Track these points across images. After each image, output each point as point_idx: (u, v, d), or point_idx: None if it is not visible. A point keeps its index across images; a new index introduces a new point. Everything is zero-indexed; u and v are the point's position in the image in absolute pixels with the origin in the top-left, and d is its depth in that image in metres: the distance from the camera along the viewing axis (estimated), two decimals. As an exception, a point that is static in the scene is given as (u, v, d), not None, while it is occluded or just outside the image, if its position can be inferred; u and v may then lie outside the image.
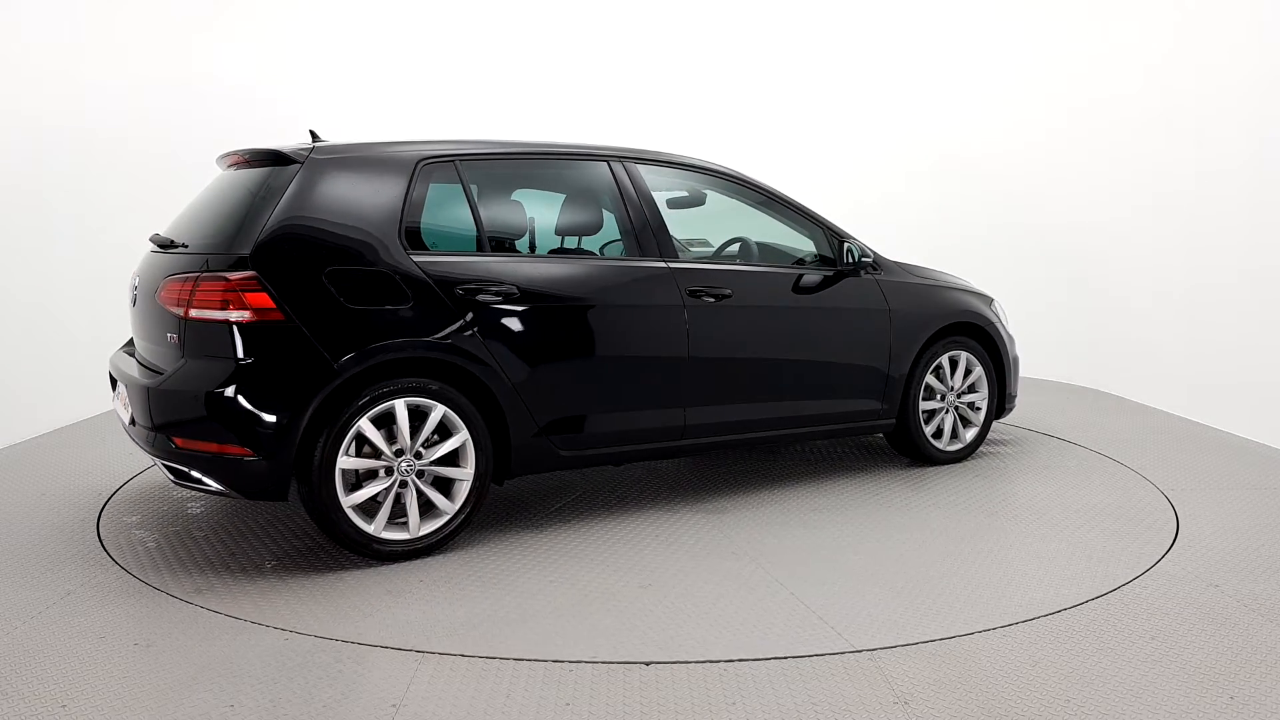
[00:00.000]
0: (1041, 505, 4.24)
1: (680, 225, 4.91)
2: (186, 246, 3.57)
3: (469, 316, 3.51)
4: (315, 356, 3.25)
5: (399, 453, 3.42)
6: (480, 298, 3.54)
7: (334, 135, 4.11)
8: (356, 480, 3.42)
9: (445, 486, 3.55)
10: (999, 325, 5.01)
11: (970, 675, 2.62)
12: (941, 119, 7.98)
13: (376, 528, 3.39)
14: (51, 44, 6.16)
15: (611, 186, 4.06)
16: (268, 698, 2.49)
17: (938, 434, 4.82)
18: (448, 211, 3.73)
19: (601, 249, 4.40)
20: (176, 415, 3.30)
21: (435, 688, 2.55)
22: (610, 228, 4.25)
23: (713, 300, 4.05)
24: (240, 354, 3.22)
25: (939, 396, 4.82)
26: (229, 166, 3.86)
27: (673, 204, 4.74)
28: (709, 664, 2.69)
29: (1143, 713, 2.42)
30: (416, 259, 3.48)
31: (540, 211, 4.19)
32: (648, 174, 4.16)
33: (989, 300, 5.10)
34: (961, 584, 3.29)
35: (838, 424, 4.52)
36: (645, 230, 4.03)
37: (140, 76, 6.79)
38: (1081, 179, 7.34)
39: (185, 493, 4.33)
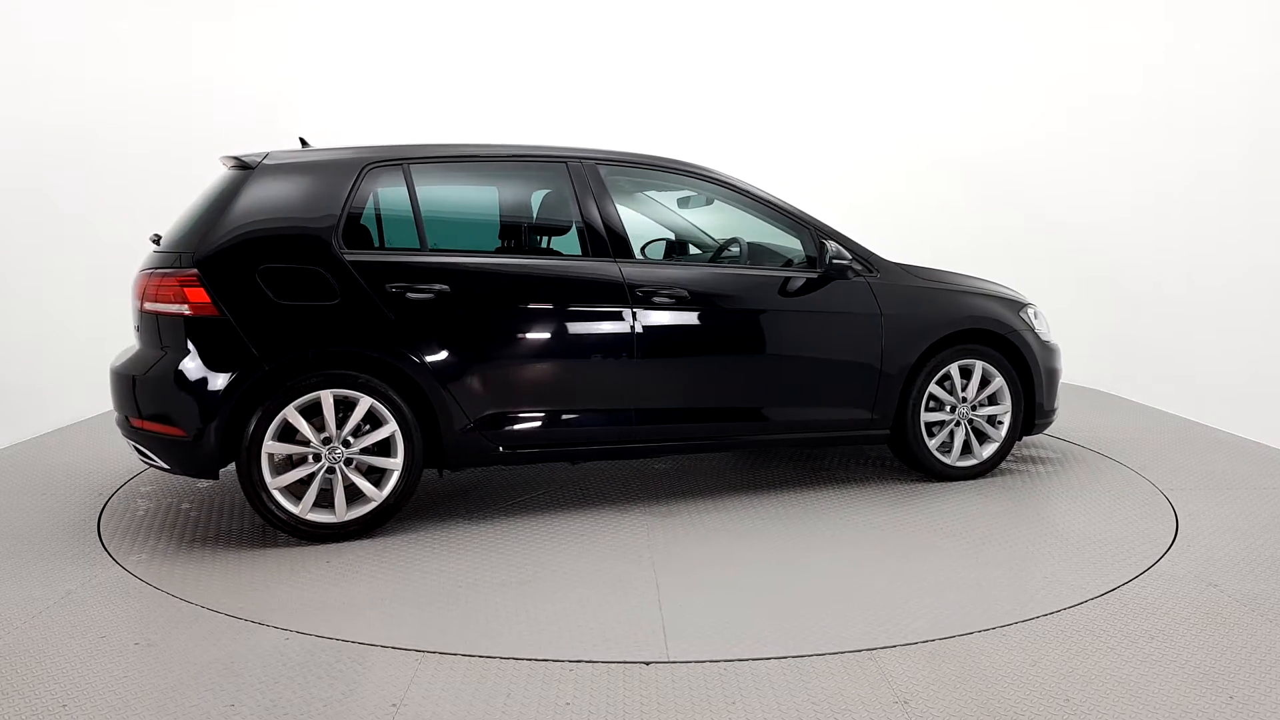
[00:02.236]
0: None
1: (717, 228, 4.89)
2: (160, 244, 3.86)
3: (397, 313, 3.66)
4: (242, 348, 3.52)
5: (327, 440, 3.60)
6: (410, 295, 3.68)
7: (337, 140, 4.18)
8: (291, 463, 3.64)
9: (379, 475, 3.72)
10: (1026, 333, 4.56)
11: (970, 675, 2.62)
12: (941, 119, 7.98)
13: (302, 509, 3.60)
14: (57, 46, 6.16)
15: (567, 187, 4.05)
16: (268, 698, 2.49)
17: (947, 448, 4.48)
18: (393, 212, 3.90)
19: (643, 248, 4.49)
20: (131, 398, 3.67)
21: (435, 688, 2.55)
22: (656, 230, 4.36)
23: (668, 302, 4.00)
24: (179, 344, 3.56)
25: (948, 408, 4.48)
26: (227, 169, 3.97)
27: (682, 204, 4.73)
28: (709, 664, 2.69)
29: (1142, 712, 2.42)
30: (350, 257, 3.66)
31: (492, 212, 4.28)
32: (612, 174, 4.13)
33: (1019, 306, 4.66)
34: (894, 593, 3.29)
35: (816, 432, 4.31)
36: (597, 230, 4.00)
37: (147, 80, 6.82)
38: (1082, 178, 7.35)
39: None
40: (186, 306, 3.53)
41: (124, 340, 4.32)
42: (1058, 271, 7.44)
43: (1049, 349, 4.69)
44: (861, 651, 2.76)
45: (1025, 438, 4.87)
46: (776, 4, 8.15)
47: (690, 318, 4.05)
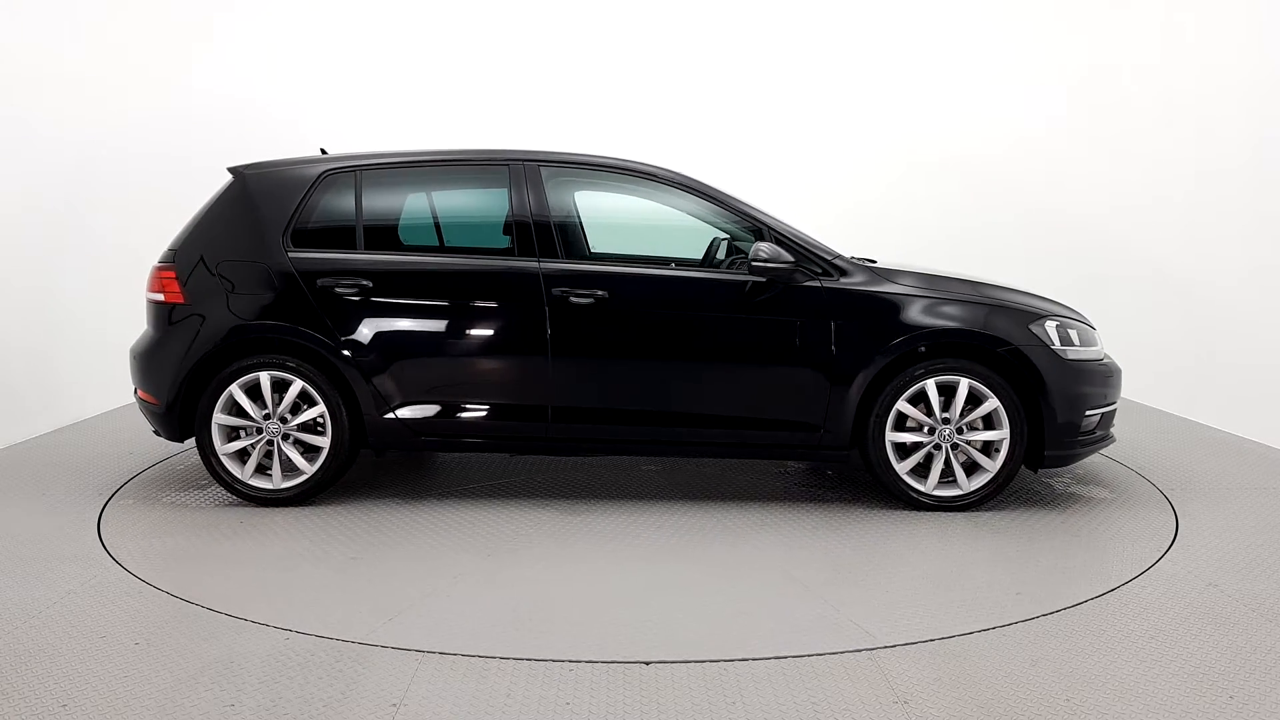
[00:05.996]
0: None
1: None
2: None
3: (324, 306, 4.05)
4: (195, 331, 4.07)
5: (268, 416, 4.07)
6: (337, 290, 4.04)
7: (354, 146, 4.40)
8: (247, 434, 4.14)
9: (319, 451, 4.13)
10: (1033, 349, 3.99)
11: (970, 675, 2.62)
12: (933, 117, 7.96)
13: (245, 474, 4.10)
14: (64, 46, 6.17)
15: (506, 188, 4.19)
16: (268, 698, 2.49)
17: (923, 473, 4.04)
18: (339, 216, 4.23)
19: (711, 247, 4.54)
20: (134, 372, 4.31)
21: (435, 688, 2.55)
22: (712, 231, 4.43)
23: (586, 302, 3.98)
24: (157, 325, 4.21)
25: (925, 430, 4.04)
26: None
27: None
28: (709, 664, 2.69)
29: (1142, 712, 2.42)
30: (293, 256, 4.10)
31: (431, 214, 4.60)
32: (555, 176, 4.20)
33: (1032, 318, 4.07)
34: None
35: (760, 444, 4.10)
36: (527, 230, 4.10)
37: (157, 87, 6.86)
38: (1080, 177, 7.34)
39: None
40: (163, 294, 4.14)
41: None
42: (1055, 270, 7.43)
43: (1073, 369, 4.06)
44: (861, 651, 2.76)
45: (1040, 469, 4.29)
46: (778, 3, 8.14)
47: (609, 318, 4.02)
